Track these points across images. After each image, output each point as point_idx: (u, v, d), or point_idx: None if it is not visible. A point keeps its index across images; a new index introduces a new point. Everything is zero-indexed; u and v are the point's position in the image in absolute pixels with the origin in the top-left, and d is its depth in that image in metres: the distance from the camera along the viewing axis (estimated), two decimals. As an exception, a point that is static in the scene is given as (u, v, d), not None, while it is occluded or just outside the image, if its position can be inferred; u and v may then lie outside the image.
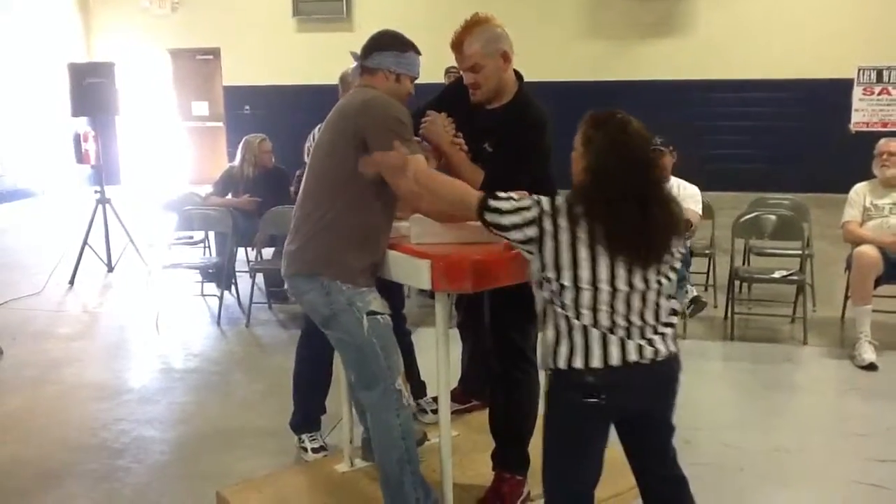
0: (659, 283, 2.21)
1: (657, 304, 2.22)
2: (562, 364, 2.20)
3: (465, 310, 3.70)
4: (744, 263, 5.84)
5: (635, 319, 2.19)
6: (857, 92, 10.60)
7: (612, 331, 2.17)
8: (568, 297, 2.18)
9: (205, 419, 4.06)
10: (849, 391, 4.37)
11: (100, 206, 6.85)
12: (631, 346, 2.17)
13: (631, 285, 2.16)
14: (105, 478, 3.45)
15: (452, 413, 3.78)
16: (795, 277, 5.15)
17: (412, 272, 2.66)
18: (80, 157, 10.60)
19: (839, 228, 5.07)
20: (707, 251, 5.85)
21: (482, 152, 3.03)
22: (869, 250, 4.66)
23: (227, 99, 12.64)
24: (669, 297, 2.27)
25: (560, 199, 2.19)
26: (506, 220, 2.22)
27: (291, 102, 11.39)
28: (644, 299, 2.19)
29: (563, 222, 2.15)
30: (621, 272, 2.14)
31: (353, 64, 2.86)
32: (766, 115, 10.85)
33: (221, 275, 5.80)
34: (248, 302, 5.66)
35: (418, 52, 2.84)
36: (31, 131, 11.32)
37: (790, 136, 10.74)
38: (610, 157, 2.15)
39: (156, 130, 12.91)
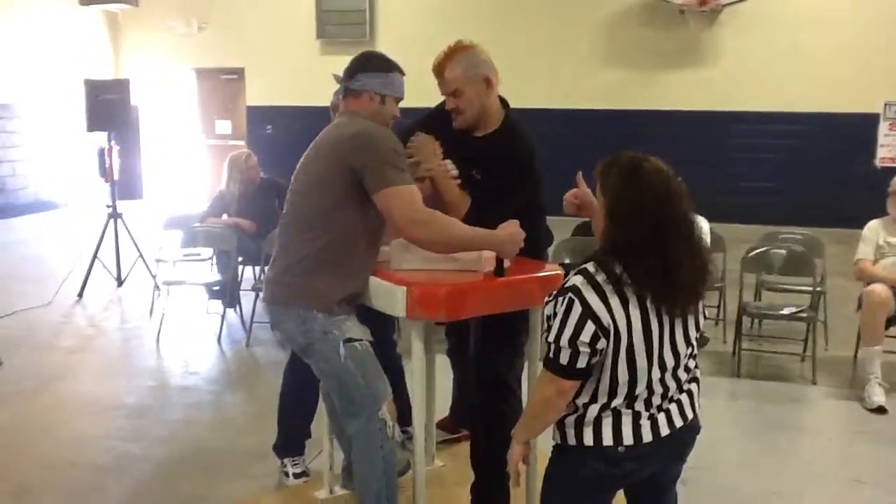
0: (692, 344, 2.10)
1: (687, 367, 2.12)
2: (588, 441, 2.08)
3: (454, 336, 3.63)
4: (755, 299, 5.71)
5: (669, 382, 2.08)
6: (883, 127, 10.42)
7: (646, 408, 2.07)
8: (619, 380, 2.03)
9: (192, 439, 4.01)
10: (855, 434, 4.22)
11: (111, 221, 6.90)
12: (662, 420, 2.08)
13: (676, 353, 2.04)
14: (83, 495, 3.41)
15: (441, 442, 3.75)
16: (805, 315, 5.01)
17: (387, 298, 2.61)
18: (104, 172, 10.77)
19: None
20: (717, 285, 5.72)
21: (470, 179, 2.98)
22: (880, 289, 4.52)
23: (249, 118, 12.75)
24: (696, 354, 2.17)
25: (590, 267, 2.03)
26: (581, 362, 2.00)
27: (312, 123, 11.21)
28: (680, 365, 2.09)
29: (603, 283, 1.98)
30: (667, 337, 2.01)
31: (337, 87, 2.83)
32: (788, 149, 10.70)
33: (225, 292, 5.79)
34: (250, 321, 5.63)
35: (402, 73, 2.80)
36: (58, 145, 11.50)
37: (813, 169, 10.58)
38: (623, 196, 2.01)
39: (180, 147, 13.07)
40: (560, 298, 2.02)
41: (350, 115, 2.74)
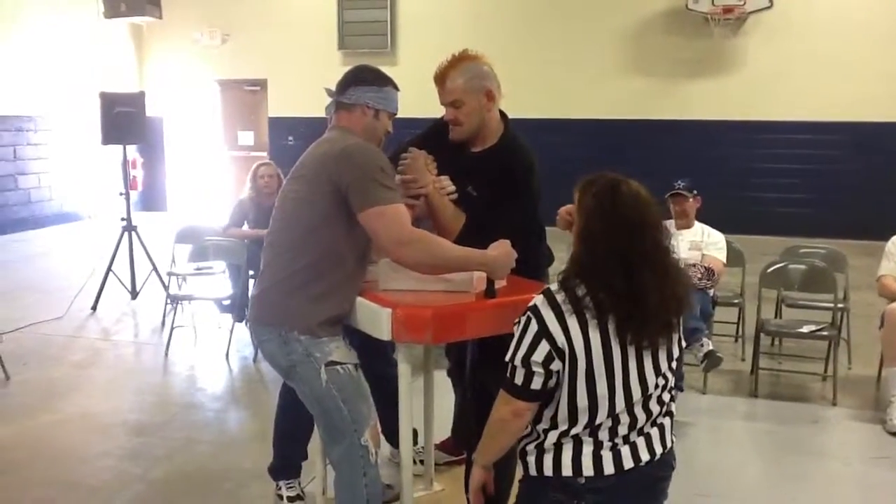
0: (666, 377, 2.01)
1: (661, 399, 2.03)
2: (548, 471, 2.00)
3: (454, 356, 3.54)
4: (776, 315, 5.54)
5: (639, 413, 1.98)
6: (917, 137, 10.14)
7: (610, 438, 1.97)
8: (578, 405, 1.96)
9: (191, 458, 3.95)
10: (876, 459, 4.03)
11: (125, 233, 6.91)
12: (626, 452, 1.98)
13: (644, 383, 1.95)
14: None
15: (443, 464, 3.65)
16: (825, 333, 4.84)
17: (372, 320, 2.52)
18: (128, 184, 10.84)
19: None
20: (736, 300, 5.55)
21: (466, 196, 2.90)
22: (902, 308, 4.35)
23: (271, 129, 12.79)
24: (672, 388, 2.07)
25: (553, 287, 1.99)
26: (535, 383, 1.96)
27: (333, 134, 11.43)
28: (652, 397, 1.99)
29: (562, 303, 1.92)
30: (633, 365, 1.93)
31: (329, 101, 2.75)
32: (814, 159, 10.46)
33: (234, 307, 5.75)
34: (259, 336, 5.57)
35: (397, 88, 2.73)
36: (83, 158, 11.59)
37: (840, 180, 10.33)
38: (595, 217, 1.97)
39: (203, 159, 13.14)
40: (521, 318, 1.99)
41: (340, 130, 2.67)
